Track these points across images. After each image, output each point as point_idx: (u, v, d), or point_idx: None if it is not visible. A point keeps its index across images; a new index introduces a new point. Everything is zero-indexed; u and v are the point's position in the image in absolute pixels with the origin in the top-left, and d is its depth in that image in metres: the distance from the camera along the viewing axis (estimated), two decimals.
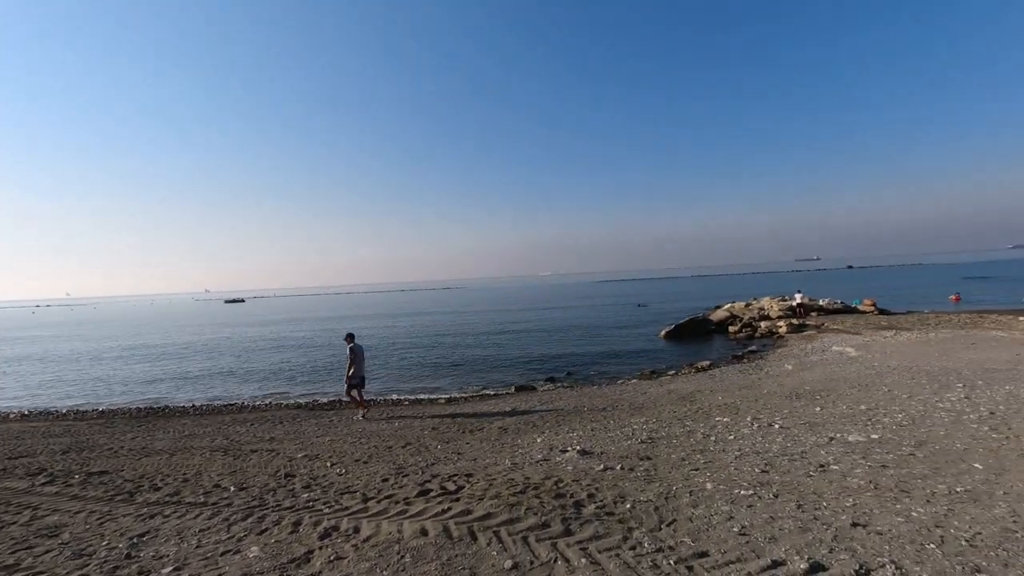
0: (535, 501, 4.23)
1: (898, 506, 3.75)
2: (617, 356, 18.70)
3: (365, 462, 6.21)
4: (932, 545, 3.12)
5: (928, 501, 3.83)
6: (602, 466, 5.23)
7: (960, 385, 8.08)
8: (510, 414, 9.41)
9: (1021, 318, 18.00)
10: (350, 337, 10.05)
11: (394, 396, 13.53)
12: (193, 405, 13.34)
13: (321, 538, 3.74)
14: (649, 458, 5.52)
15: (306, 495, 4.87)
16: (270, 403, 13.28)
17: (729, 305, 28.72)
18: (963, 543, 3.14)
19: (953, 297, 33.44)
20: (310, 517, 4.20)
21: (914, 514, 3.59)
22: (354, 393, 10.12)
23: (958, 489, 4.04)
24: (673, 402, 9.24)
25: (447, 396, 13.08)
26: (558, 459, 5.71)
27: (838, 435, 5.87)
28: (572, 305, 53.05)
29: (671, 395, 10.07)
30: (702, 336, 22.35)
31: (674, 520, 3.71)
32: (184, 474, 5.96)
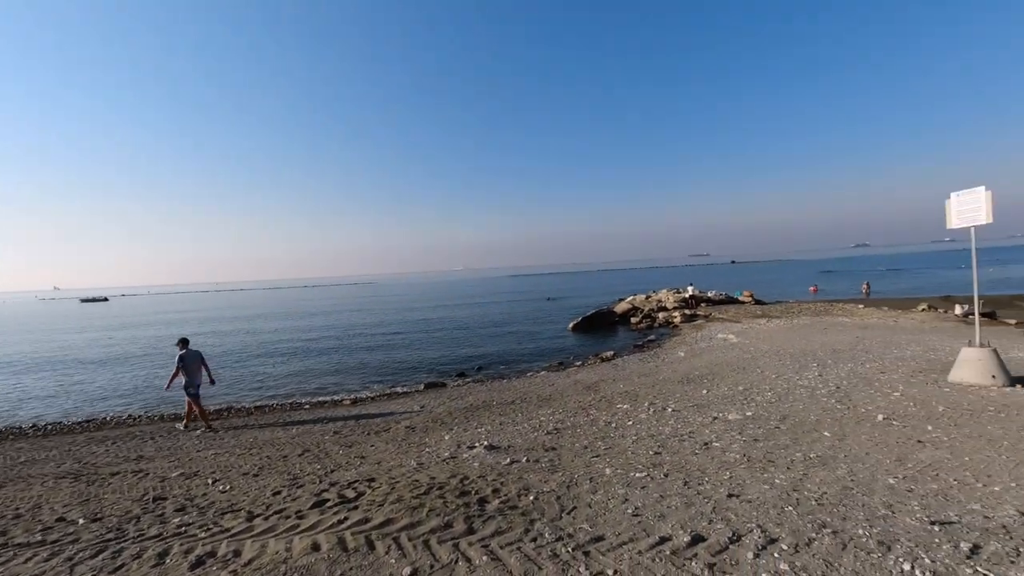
0: (439, 502, 4.12)
1: (765, 475, 4.21)
2: (527, 349, 19.15)
3: (255, 475, 5.66)
4: (790, 508, 3.53)
5: (788, 468, 4.35)
6: (508, 460, 5.26)
7: (815, 365, 9.37)
8: (419, 412, 9.18)
9: (859, 306, 21.40)
10: (183, 343, 9.11)
11: (293, 400, 12.58)
12: (34, 425, 11.26)
13: (193, 568, 3.30)
14: (554, 448, 5.66)
15: (178, 519, 4.29)
16: (140, 416, 11.64)
17: (631, 298, 30.73)
18: (813, 503, 3.59)
19: (812, 288, 38.95)
20: (181, 545, 3.70)
21: (777, 481, 4.05)
22: (194, 404, 9.09)
23: (811, 456, 4.64)
24: (579, 392, 9.63)
25: (352, 397, 12.44)
26: (465, 456, 5.65)
27: (720, 414, 6.49)
28: (484, 300, 53.38)
29: (577, 385, 10.49)
30: (607, 327, 23.67)
31: (574, 508, 3.82)
32: (16, 509, 4.97)
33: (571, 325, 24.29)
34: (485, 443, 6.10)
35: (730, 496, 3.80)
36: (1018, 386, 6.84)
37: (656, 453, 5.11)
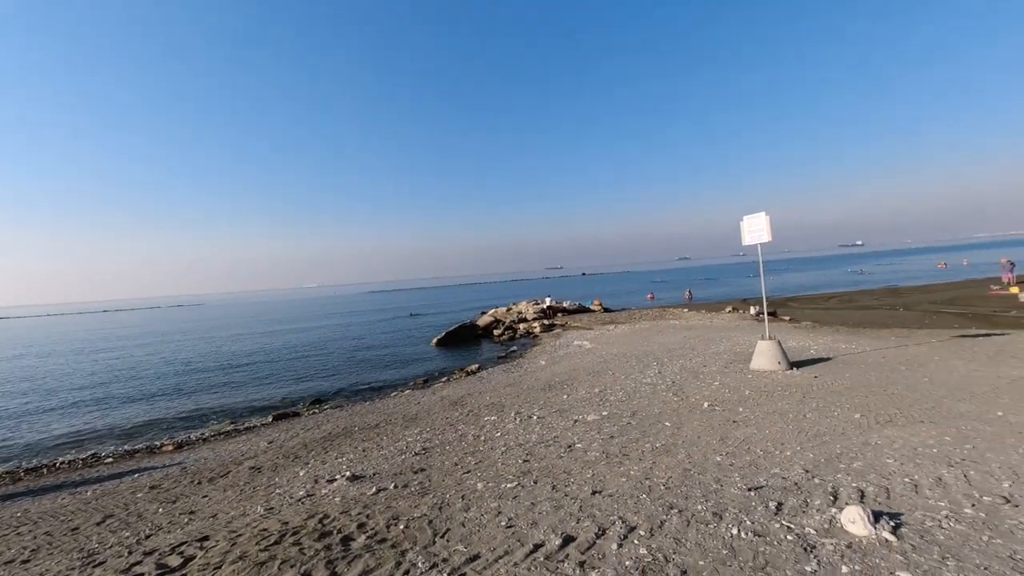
0: (294, 550, 3.60)
1: (622, 468, 4.58)
2: (390, 368, 18.34)
3: (25, 561, 4.30)
4: (644, 495, 3.87)
5: (640, 459, 4.80)
6: (374, 489, 4.87)
7: (655, 364, 10.66)
8: (266, 450, 8.06)
9: (685, 310, 25.13)
10: None
11: (91, 453, 10.02)
12: None
13: None
14: (423, 469, 5.42)
15: None
16: None
17: (493, 311, 31.64)
18: (662, 488, 4.00)
19: (649, 296, 44.67)
20: None
21: (632, 472, 4.43)
22: None
23: (657, 445, 5.20)
24: (446, 408, 9.47)
25: (176, 441, 10.41)
26: (324, 491, 5.08)
27: (580, 417, 6.93)
28: (343, 318, 49.98)
29: (444, 401, 10.31)
30: (471, 341, 23.94)
31: (448, 530, 3.67)
32: None
33: (435, 341, 24.01)
34: (347, 474, 5.57)
35: (594, 493, 4.03)
36: (795, 369, 8.65)
37: (525, 461, 5.22)
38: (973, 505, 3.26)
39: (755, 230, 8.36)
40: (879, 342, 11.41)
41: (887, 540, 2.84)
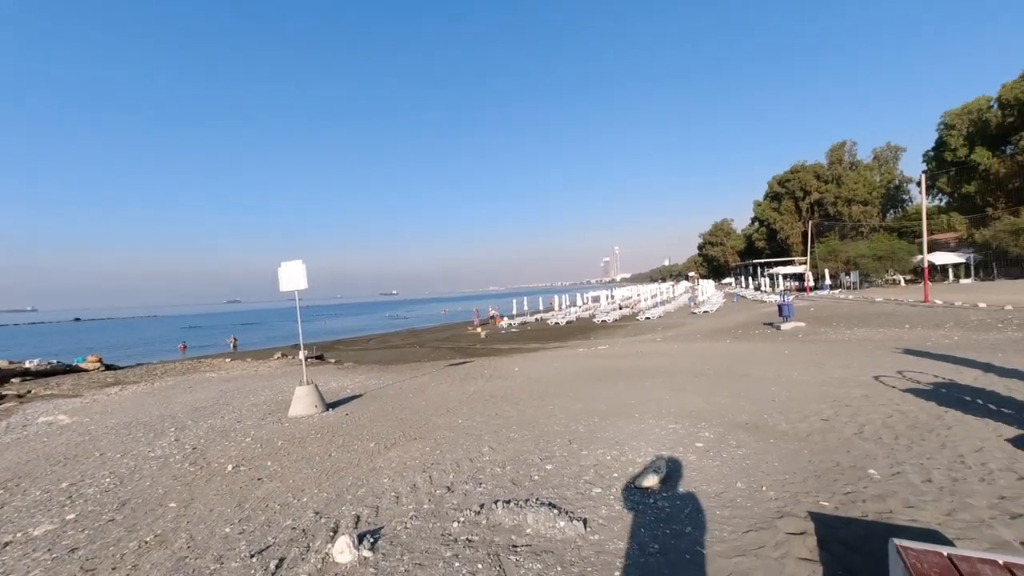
0: None
1: None
2: None
3: None
4: None
5: (115, 567, 3.61)
6: None
7: (173, 429, 8.75)
8: None
9: (227, 360, 22.52)
10: None
11: None
12: None
13: None
14: None
15: None
16: None
17: None
18: None
19: (181, 346, 37.38)
20: None
21: None
22: None
23: (148, 539, 4.10)
24: None
25: None
26: None
27: (20, 534, 4.65)
28: None
29: None
30: None
31: None
32: None
33: None
34: None
35: None
36: (330, 409, 9.18)
37: None
38: (430, 500, 4.28)
39: (292, 277, 8.53)
40: (401, 375, 13.90)
41: (365, 558, 3.25)
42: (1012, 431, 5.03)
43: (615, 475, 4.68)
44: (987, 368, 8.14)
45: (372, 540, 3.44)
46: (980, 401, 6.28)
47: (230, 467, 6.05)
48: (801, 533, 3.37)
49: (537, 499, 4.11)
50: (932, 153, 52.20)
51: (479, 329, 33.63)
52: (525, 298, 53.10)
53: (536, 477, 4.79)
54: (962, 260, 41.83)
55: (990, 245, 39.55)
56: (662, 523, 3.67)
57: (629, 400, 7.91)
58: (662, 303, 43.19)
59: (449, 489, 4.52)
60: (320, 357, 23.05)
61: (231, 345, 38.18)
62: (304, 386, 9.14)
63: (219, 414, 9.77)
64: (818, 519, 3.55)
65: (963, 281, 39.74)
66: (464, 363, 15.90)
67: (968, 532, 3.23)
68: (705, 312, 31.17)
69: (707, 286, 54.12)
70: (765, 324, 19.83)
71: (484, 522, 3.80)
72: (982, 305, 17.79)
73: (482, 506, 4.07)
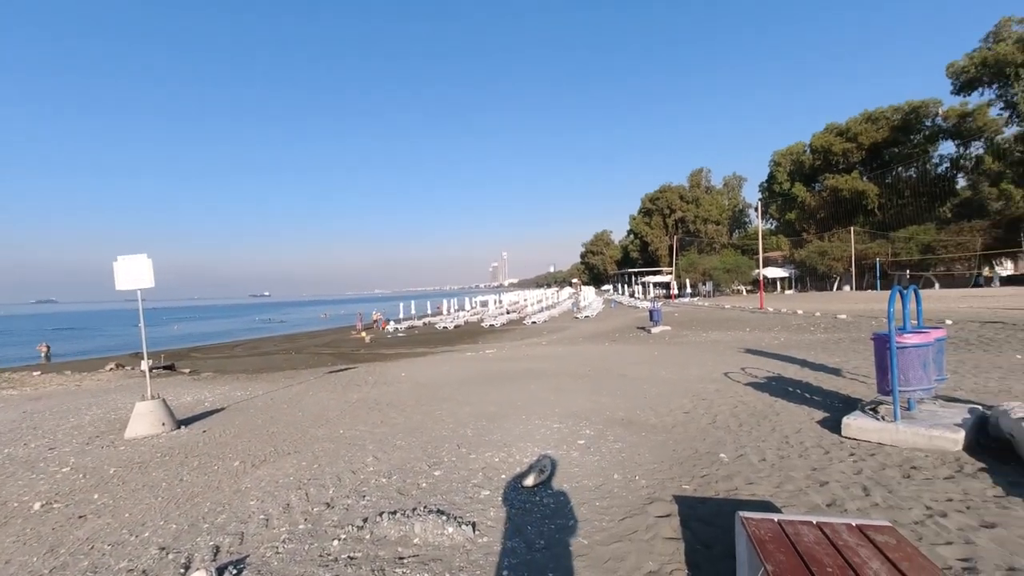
0: None
1: None
2: None
3: None
4: None
5: None
6: None
7: None
8: None
9: (35, 373, 18.43)
10: None
11: None
12: None
13: None
14: None
15: None
16: None
17: None
18: None
19: None
20: None
21: None
22: None
23: None
24: None
25: None
26: None
27: None
28: None
29: None
30: None
31: None
32: None
33: None
34: None
35: None
36: (182, 427, 7.95)
37: None
38: (306, 519, 3.90)
39: (133, 273, 7.21)
40: (273, 385, 12.58)
41: None
42: (820, 414, 6.15)
43: (503, 476, 4.73)
44: (803, 364, 9.87)
45: (236, 571, 3.02)
46: (799, 391, 7.58)
47: (38, 505, 4.90)
48: (667, 515, 3.72)
49: (425, 507, 3.98)
50: (766, 184, 62.32)
51: (363, 334, 32.05)
52: (413, 301, 51.87)
53: (424, 485, 4.64)
54: (787, 274, 50.62)
55: (805, 263, 48.42)
56: (547, 519, 3.79)
57: (517, 402, 8.10)
58: (548, 308, 45.34)
59: (328, 505, 4.16)
60: (170, 367, 19.99)
61: (42, 354, 31.28)
62: (147, 401, 7.80)
63: (22, 441, 7.90)
64: (681, 501, 3.96)
65: (787, 292, 48.01)
66: (347, 369, 14.99)
67: (791, 500, 3.85)
68: (587, 317, 33.37)
69: (588, 292, 58.20)
70: (638, 328, 21.83)
71: (368, 537, 3.57)
72: (800, 312, 21.63)
73: (366, 520, 3.82)
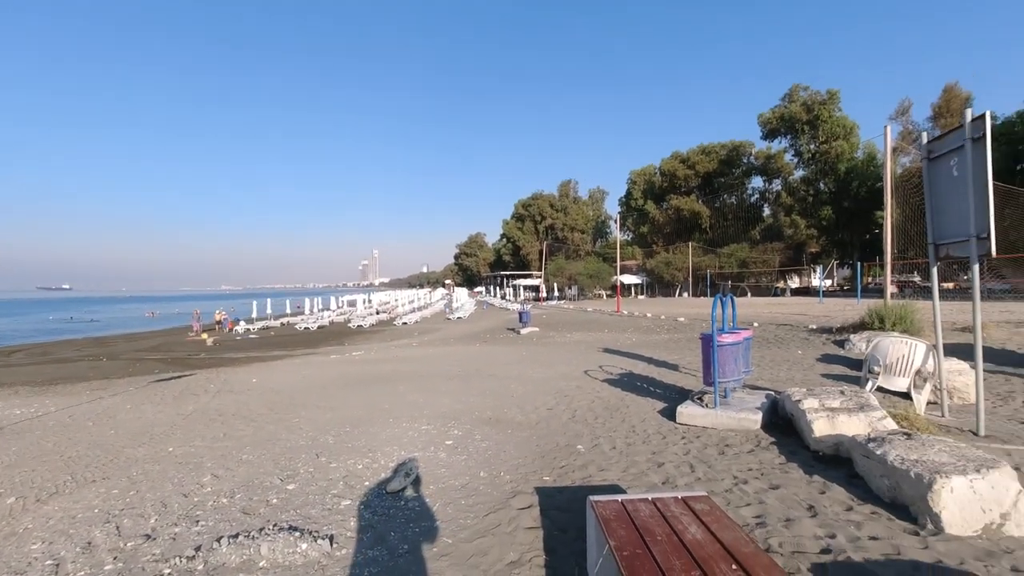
0: None
1: None
2: None
3: None
4: None
5: None
6: None
7: None
8: None
9: None
10: None
11: None
12: None
13: None
14: None
15: None
16: None
17: None
18: None
19: None
20: None
21: None
22: None
23: None
24: None
25: None
26: None
27: None
28: None
29: None
30: None
31: None
32: None
33: None
34: None
35: None
36: None
37: None
38: (115, 558, 3.24)
39: None
40: (72, 399, 10.26)
41: None
42: (661, 405, 7.02)
43: (367, 484, 4.50)
44: (650, 361, 11.20)
45: None
46: (645, 385, 8.57)
47: None
48: (528, 507, 3.90)
49: (275, 525, 3.59)
50: (624, 199, 69.54)
51: (204, 335, 27.71)
52: (269, 300, 46.75)
53: (275, 501, 4.19)
54: (639, 281, 57.19)
55: (654, 271, 55.21)
56: (412, 523, 3.70)
57: (384, 405, 7.80)
58: (420, 308, 44.58)
59: (149, 537, 3.50)
60: None
61: None
62: None
63: None
64: (541, 492, 4.18)
65: (640, 297, 54.15)
66: (180, 377, 12.91)
67: (635, 481, 4.32)
68: (459, 318, 33.57)
69: (461, 293, 58.66)
70: (509, 329, 22.61)
71: (201, 567, 3.09)
72: (649, 315, 24.50)
73: (198, 548, 3.31)
